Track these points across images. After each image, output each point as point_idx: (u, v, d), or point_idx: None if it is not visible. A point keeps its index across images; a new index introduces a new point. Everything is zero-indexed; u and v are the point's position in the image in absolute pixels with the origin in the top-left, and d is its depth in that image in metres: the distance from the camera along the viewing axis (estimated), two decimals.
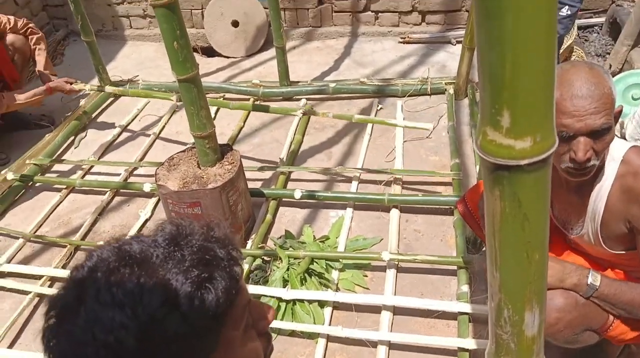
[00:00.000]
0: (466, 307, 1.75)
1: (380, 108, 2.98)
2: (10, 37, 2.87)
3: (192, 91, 1.91)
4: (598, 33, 3.44)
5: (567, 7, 2.26)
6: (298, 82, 3.22)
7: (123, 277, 0.53)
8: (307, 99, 3.11)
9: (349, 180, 2.46)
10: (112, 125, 3.08)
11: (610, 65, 2.97)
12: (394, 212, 2.23)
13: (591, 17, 3.49)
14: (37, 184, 2.65)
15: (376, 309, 1.84)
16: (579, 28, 3.34)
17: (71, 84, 2.95)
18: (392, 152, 2.63)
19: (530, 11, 0.50)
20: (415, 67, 3.36)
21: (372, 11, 3.67)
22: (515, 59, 0.52)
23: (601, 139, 1.12)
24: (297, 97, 3.14)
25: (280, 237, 2.13)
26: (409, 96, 3.00)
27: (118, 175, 2.63)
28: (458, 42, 3.49)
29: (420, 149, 2.64)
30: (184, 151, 2.17)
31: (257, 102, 3.13)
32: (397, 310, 1.84)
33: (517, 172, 0.60)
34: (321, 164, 2.61)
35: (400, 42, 3.63)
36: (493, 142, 0.59)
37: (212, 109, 3.07)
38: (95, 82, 3.31)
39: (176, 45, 1.80)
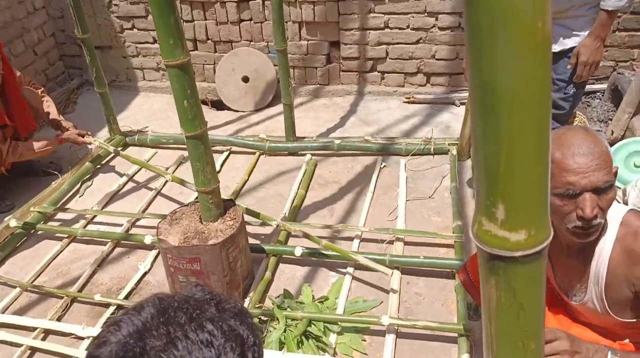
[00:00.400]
0: None
1: (384, 166, 3.01)
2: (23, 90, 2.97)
3: (199, 148, 1.94)
4: (600, 99, 3.50)
5: (572, 85, 2.30)
6: (304, 137, 3.27)
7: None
8: (312, 155, 3.15)
9: (350, 238, 2.45)
10: (118, 175, 3.12)
11: (612, 132, 3.01)
12: (395, 274, 2.20)
13: (594, 84, 3.57)
14: (39, 232, 2.66)
15: None
16: None
17: (83, 136, 3.02)
18: (394, 211, 2.64)
19: (524, 110, 0.51)
20: (420, 126, 3.41)
21: (378, 71, 3.78)
22: (509, 155, 0.53)
23: (605, 195, 1.13)
24: (302, 152, 3.18)
25: (278, 296, 2.10)
26: (412, 155, 3.03)
27: (120, 225, 2.64)
28: (462, 103, 3.56)
29: (423, 209, 2.64)
30: (187, 205, 2.18)
31: (264, 156, 3.18)
32: None
33: (512, 263, 0.60)
34: (323, 221, 2.61)
35: (405, 102, 3.71)
36: (488, 232, 0.60)
37: (220, 160, 3.12)
38: (106, 131, 3.39)
39: (186, 104, 1.85)
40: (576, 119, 3.16)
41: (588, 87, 3.52)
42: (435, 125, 3.35)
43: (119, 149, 3.15)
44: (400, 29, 3.56)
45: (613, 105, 3.36)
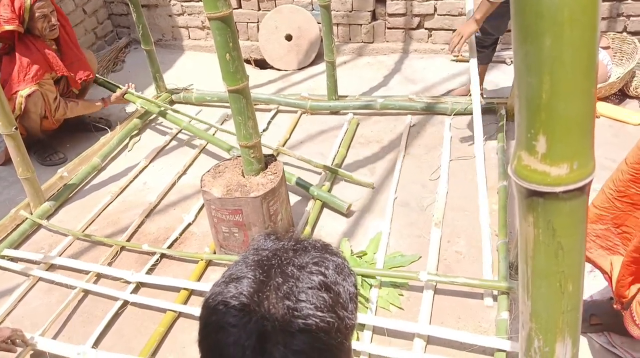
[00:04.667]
0: (504, 344, 1.67)
1: (414, 125, 2.95)
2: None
3: (241, 102, 1.95)
4: None
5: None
6: (346, 96, 3.23)
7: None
8: (354, 114, 3.12)
9: (385, 201, 2.44)
10: (165, 131, 3.20)
11: None
12: (435, 231, 2.19)
13: None
14: (91, 184, 2.79)
15: (410, 336, 1.79)
16: None
17: (125, 93, 3.10)
18: (437, 170, 2.59)
19: (570, 33, 0.48)
20: (467, 86, 3.30)
21: (425, 28, 3.65)
22: (553, 83, 0.51)
23: None
24: (344, 111, 3.15)
25: None
26: (457, 114, 2.95)
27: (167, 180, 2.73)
28: (512, 62, 3.41)
29: (468, 170, 2.58)
30: (229, 159, 2.22)
31: (305, 115, 3.18)
32: (431, 340, 1.79)
33: (552, 199, 0.58)
34: (365, 179, 2.60)
35: (453, 60, 3.59)
36: (528, 167, 0.57)
37: (266, 118, 3.14)
38: (153, 89, 3.46)
39: (228, 57, 1.85)
40: (635, 78, 2.97)
41: None
42: (484, 84, 3.23)
43: (165, 106, 3.23)
44: None
45: None
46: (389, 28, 3.71)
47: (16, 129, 2.41)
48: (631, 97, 2.98)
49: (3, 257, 2.32)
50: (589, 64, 0.50)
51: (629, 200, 1.37)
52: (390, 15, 3.64)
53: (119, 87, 3.18)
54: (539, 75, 0.51)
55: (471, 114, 2.94)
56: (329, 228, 2.31)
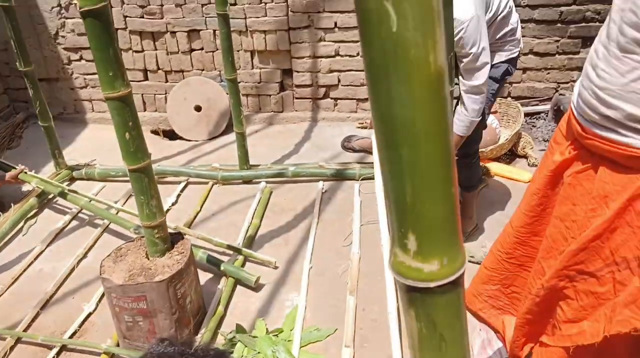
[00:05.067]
0: None
1: (325, 191, 3.02)
2: None
3: (143, 181, 1.89)
4: (544, 119, 3.64)
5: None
6: (258, 165, 3.25)
7: None
8: (267, 182, 3.13)
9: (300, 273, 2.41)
10: (64, 211, 3.00)
11: None
12: (350, 299, 2.18)
13: (537, 105, 3.71)
14: None
15: None
16: (527, 115, 3.53)
17: (18, 174, 2.89)
18: (349, 236, 2.63)
19: (424, 144, 0.51)
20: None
21: (331, 98, 3.82)
22: (414, 188, 0.53)
23: None
24: (256, 180, 3.15)
25: (231, 332, 2.04)
26: (364, 179, 3.05)
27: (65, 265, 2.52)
28: None
29: (377, 234, 2.64)
30: (132, 241, 2.11)
31: (217, 186, 3.13)
32: None
33: (428, 293, 0.59)
34: (278, 249, 2.58)
35: (359, 127, 3.76)
36: (403, 263, 0.59)
37: (176, 191, 3.05)
38: (52, 165, 3.27)
39: (128, 136, 1.81)
40: (522, 139, 3.27)
41: (532, 109, 3.67)
42: None
43: (66, 183, 3.05)
44: (350, 56, 3.63)
45: (556, 125, 3.49)
46: (297, 98, 3.84)
47: None
48: (520, 156, 3.26)
49: None
50: (446, 169, 0.54)
51: (516, 261, 1.43)
52: (298, 86, 3.78)
53: (14, 168, 2.97)
54: (401, 181, 0.54)
55: None
56: (242, 307, 2.23)
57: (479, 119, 2.17)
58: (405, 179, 0.53)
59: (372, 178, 3.05)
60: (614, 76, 1.06)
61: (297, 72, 3.73)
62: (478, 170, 2.51)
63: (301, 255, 2.53)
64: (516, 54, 2.28)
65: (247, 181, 3.16)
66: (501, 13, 2.13)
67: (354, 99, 3.78)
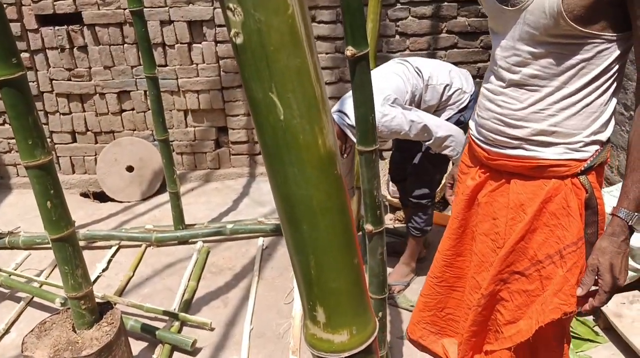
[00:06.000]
0: None
1: (266, 247, 3.01)
2: None
3: (67, 250, 1.81)
4: None
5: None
6: (194, 224, 3.19)
7: None
8: (204, 242, 3.06)
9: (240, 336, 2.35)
10: None
11: None
12: None
13: None
14: None
15: None
16: None
17: None
18: (290, 292, 2.60)
19: (322, 219, 0.54)
20: None
21: None
22: (317, 262, 0.55)
23: None
24: (193, 240, 3.08)
25: None
26: None
27: None
28: None
29: None
30: (58, 313, 1.99)
31: (151, 248, 3.03)
32: None
33: None
34: (217, 312, 2.50)
35: None
36: (314, 335, 0.60)
37: (106, 256, 2.92)
38: None
39: (49, 205, 1.74)
40: None
41: None
42: None
43: None
44: None
45: None
46: (233, 154, 3.86)
47: None
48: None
49: None
50: (347, 242, 0.56)
51: (446, 283, 1.53)
52: (234, 143, 3.80)
53: None
54: (305, 255, 0.56)
55: None
56: None
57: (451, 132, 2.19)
58: (308, 253, 0.55)
59: None
60: (514, 104, 1.24)
61: (233, 129, 3.76)
62: (432, 215, 2.56)
63: (241, 316, 2.47)
64: (466, 101, 2.33)
65: (183, 241, 3.08)
66: (421, 93, 2.27)
67: None
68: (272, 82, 0.48)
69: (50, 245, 3.00)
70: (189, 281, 2.70)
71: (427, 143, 2.19)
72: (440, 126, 2.15)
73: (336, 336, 0.58)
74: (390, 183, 3.14)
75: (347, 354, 0.59)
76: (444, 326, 1.58)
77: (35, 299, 2.64)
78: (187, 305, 2.53)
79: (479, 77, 3.58)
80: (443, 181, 3.23)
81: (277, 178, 0.53)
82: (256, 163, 3.90)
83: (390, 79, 2.19)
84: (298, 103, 0.49)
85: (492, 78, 1.30)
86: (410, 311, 2.36)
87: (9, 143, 3.81)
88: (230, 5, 0.47)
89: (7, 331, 2.44)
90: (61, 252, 1.80)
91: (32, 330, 1.91)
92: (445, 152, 2.20)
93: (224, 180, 3.89)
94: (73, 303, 1.86)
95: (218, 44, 3.52)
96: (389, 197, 3.27)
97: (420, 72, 2.25)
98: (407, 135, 2.10)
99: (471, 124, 1.44)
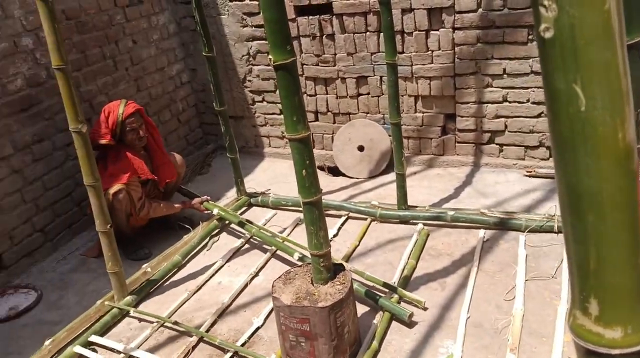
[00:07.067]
0: None
1: (487, 240, 2.92)
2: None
3: (314, 213, 2.08)
4: None
5: None
6: (416, 206, 3.30)
7: None
8: (424, 224, 3.15)
9: (456, 322, 2.37)
10: (240, 234, 3.38)
11: None
12: (511, 357, 2.09)
13: None
14: (169, 281, 2.97)
15: None
16: None
17: (204, 202, 3.41)
18: (512, 290, 2.51)
19: (610, 213, 0.54)
20: (542, 202, 3.27)
21: (496, 144, 3.73)
22: (598, 255, 0.56)
23: None
24: (413, 221, 3.20)
25: None
26: (532, 232, 2.90)
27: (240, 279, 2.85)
28: None
29: (544, 291, 2.48)
30: (300, 266, 2.31)
31: (375, 223, 3.25)
32: None
33: None
34: (434, 293, 2.58)
35: (526, 176, 3.59)
36: (582, 326, 0.61)
37: (337, 224, 3.25)
38: (234, 191, 3.73)
39: (304, 173, 2.02)
40: None
41: None
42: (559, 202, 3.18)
43: (244, 208, 3.45)
44: (520, 102, 3.53)
45: None
46: (459, 142, 3.83)
47: (111, 226, 2.67)
48: None
49: (89, 344, 2.47)
50: (633, 240, 0.55)
51: None
52: (460, 130, 3.78)
53: (197, 196, 3.51)
54: (585, 246, 0.57)
55: (548, 231, 2.88)
56: (396, 345, 2.27)
57: None
58: (589, 245, 0.56)
59: (541, 230, 2.89)
60: None
61: (461, 116, 3.73)
62: None
63: (457, 302, 2.49)
64: None
65: (404, 221, 3.22)
66: None
67: (522, 145, 3.64)
68: (577, 74, 0.51)
69: (292, 207, 3.52)
70: (408, 259, 2.83)
71: None
72: None
73: (608, 331, 0.58)
74: None
75: (618, 351, 0.58)
76: None
77: (278, 252, 3.10)
78: (406, 281, 2.66)
79: None
80: None
81: (567, 167, 0.55)
82: (482, 153, 3.80)
83: None
84: (602, 95, 0.50)
85: None
86: None
87: (265, 117, 4.48)
88: (545, 2, 0.50)
89: (256, 274, 2.93)
90: (309, 214, 2.08)
91: (279, 277, 2.26)
92: None
93: (446, 167, 3.91)
94: (314, 260, 2.14)
95: (455, 31, 3.51)
96: None
97: None
98: None
99: None
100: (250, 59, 4.30)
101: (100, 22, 3.71)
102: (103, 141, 3.11)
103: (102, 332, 2.57)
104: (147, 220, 3.36)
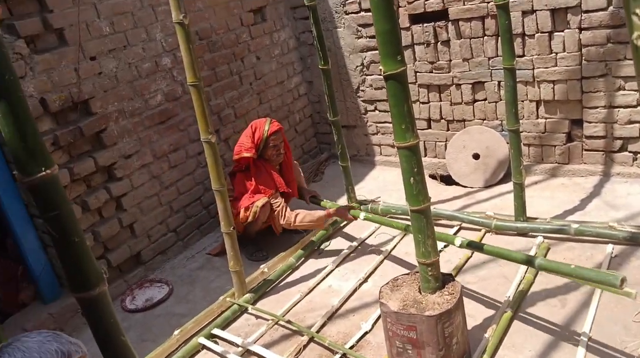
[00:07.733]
0: None
1: (615, 255, 2.66)
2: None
3: (422, 221, 2.08)
4: None
5: None
6: (536, 218, 3.12)
7: None
8: (544, 237, 2.97)
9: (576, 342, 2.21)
10: (352, 238, 3.46)
11: None
12: None
13: None
14: (284, 282, 3.14)
15: None
16: None
17: (350, 209, 3.41)
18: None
19: None
20: None
21: (629, 151, 3.40)
22: None
23: None
24: (532, 233, 3.03)
25: None
26: None
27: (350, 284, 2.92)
28: None
29: None
30: (408, 274, 2.32)
31: (490, 235, 3.14)
32: None
33: None
34: (553, 311, 2.42)
35: None
36: None
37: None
38: (344, 199, 3.83)
39: (412, 181, 2.04)
40: None
41: None
42: None
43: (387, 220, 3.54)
44: None
45: None
46: (586, 150, 3.55)
47: (233, 228, 2.90)
48: None
49: (211, 336, 2.71)
50: None
51: None
52: (588, 137, 3.50)
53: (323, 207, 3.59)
54: None
55: None
56: None
57: None
58: None
59: None
60: None
61: (589, 122, 3.45)
62: None
63: (579, 321, 2.32)
64: None
65: (522, 233, 3.06)
66: None
67: None
68: None
69: (402, 216, 3.52)
70: (525, 273, 2.68)
71: None
72: None
73: None
74: None
75: None
76: None
77: (390, 259, 3.12)
78: (522, 296, 2.53)
79: None
80: None
81: None
82: (613, 161, 3.48)
83: None
84: None
85: None
86: None
87: (377, 126, 4.53)
88: (638, 11, 0.50)
89: (365, 280, 2.98)
90: (417, 222, 2.09)
91: (387, 283, 2.28)
92: None
93: (572, 177, 3.64)
94: (422, 268, 2.14)
95: (582, 31, 3.27)
96: None
97: None
98: None
99: None
100: (364, 69, 4.39)
101: (228, 40, 4.05)
102: (247, 154, 3.36)
103: (223, 326, 2.80)
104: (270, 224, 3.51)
